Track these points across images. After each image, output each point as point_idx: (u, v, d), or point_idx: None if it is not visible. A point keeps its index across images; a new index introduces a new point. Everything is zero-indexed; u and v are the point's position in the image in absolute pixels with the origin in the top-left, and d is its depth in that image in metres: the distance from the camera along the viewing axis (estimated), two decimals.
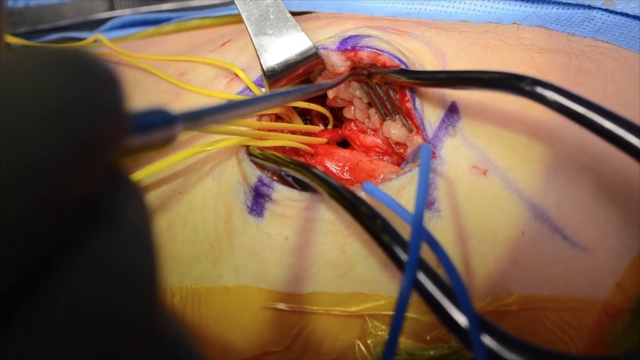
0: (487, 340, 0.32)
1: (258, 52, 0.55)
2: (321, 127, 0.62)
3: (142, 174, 0.52)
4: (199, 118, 0.30)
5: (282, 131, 0.57)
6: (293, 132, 0.59)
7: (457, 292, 0.33)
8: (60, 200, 0.17)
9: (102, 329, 0.19)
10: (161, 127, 0.25)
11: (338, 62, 0.55)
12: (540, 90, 0.39)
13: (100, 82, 0.19)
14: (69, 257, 0.18)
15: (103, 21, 1.02)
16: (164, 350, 0.23)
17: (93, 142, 0.18)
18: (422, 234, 0.36)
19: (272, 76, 0.54)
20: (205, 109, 0.30)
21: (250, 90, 0.57)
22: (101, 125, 0.18)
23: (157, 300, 0.22)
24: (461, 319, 0.33)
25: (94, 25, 1.03)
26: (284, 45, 0.55)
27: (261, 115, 0.56)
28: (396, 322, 0.34)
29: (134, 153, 0.23)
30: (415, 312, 0.46)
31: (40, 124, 0.16)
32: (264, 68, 0.54)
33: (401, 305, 0.34)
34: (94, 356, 0.18)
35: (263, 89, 0.57)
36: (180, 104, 0.60)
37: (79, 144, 0.17)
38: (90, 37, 0.84)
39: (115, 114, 0.19)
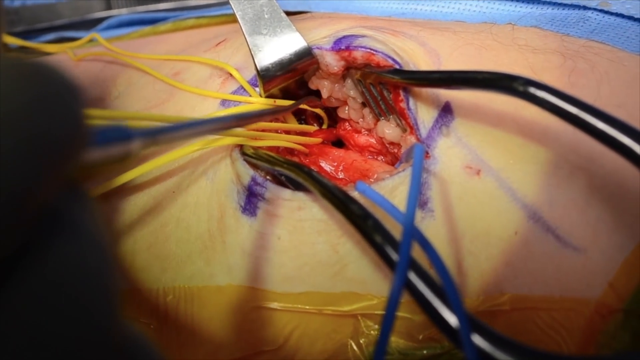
0: (478, 340, 0.32)
1: (252, 52, 0.55)
2: (316, 127, 0.62)
3: (136, 173, 0.52)
4: (155, 136, 0.30)
5: (276, 131, 0.57)
6: (287, 132, 0.59)
7: (447, 292, 0.33)
8: (20, 208, 0.17)
9: (63, 327, 0.19)
10: (119, 143, 0.25)
11: (332, 62, 0.55)
12: (533, 90, 0.39)
13: (62, 98, 0.19)
14: (30, 261, 0.18)
15: (99, 20, 1.02)
16: (124, 351, 0.23)
17: (53, 153, 0.18)
18: (413, 233, 0.36)
19: (266, 76, 0.54)
20: (161, 128, 0.31)
21: (244, 89, 0.57)
22: (62, 138, 0.19)
23: (116, 304, 0.22)
24: (452, 319, 0.33)
25: (90, 24, 1.03)
26: (278, 45, 0.55)
27: None
28: (387, 322, 0.34)
29: (91, 167, 0.24)
30: (408, 311, 0.46)
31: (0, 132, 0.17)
32: (258, 68, 0.54)
33: (392, 304, 0.34)
34: (54, 354, 0.19)
35: (257, 89, 0.57)
36: (174, 103, 0.59)
37: (39, 155, 0.18)
38: (86, 36, 0.84)
39: (76, 128, 0.20)
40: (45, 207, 0.19)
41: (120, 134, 0.25)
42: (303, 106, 0.58)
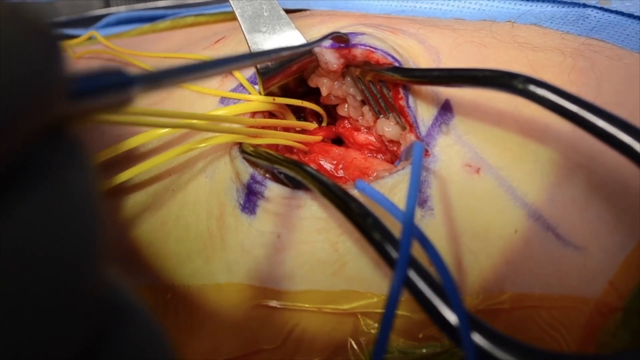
0: (477, 338, 0.32)
1: (251, 50, 0.54)
2: (315, 124, 0.62)
3: (135, 172, 0.52)
4: (156, 80, 0.29)
5: (275, 128, 0.57)
6: (286, 129, 0.59)
7: (447, 290, 0.33)
8: None
9: (42, 277, 0.18)
10: (116, 88, 0.24)
11: (332, 60, 0.54)
12: (533, 88, 0.39)
13: (32, 43, 0.19)
14: None
15: (98, 18, 1.02)
16: (108, 310, 0.23)
17: (15, 101, 0.17)
18: (413, 231, 0.36)
19: (266, 73, 0.54)
20: (163, 71, 0.30)
21: (244, 87, 0.57)
22: (25, 84, 0.18)
23: (98, 260, 0.21)
24: (451, 317, 0.32)
25: (89, 22, 1.03)
26: (278, 43, 0.55)
27: (254, 113, 0.56)
28: (386, 320, 0.34)
29: (85, 115, 0.23)
30: (408, 310, 0.46)
31: None
32: (257, 66, 0.54)
33: (391, 302, 0.34)
34: (31, 306, 0.18)
35: (256, 86, 0.56)
36: (173, 100, 0.59)
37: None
38: (85, 34, 0.84)
39: (47, 72, 0.19)
40: (16, 153, 0.18)
41: (119, 79, 0.24)
42: (301, 104, 0.58)
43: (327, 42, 0.54)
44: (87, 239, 0.20)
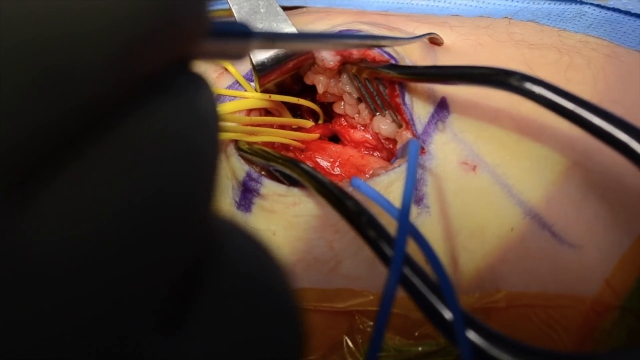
0: (472, 336, 0.32)
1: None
2: (312, 122, 0.62)
3: None
4: (274, 39, 0.32)
5: (271, 126, 0.57)
6: (282, 127, 0.59)
7: (442, 287, 0.33)
8: (135, 59, 0.17)
9: (156, 198, 0.18)
10: (238, 37, 0.26)
11: (328, 57, 0.54)
12: (529, 86, 0.39)
13: None
14: (131, 118, 0.18)
15: None
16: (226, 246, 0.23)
17: (174, 23, 0.18)
18: (408, 229, 0.36)
19: (262, 70, 0.54)
20: (280, 34, 0.35)
21: (240, 84, 0.56)
22: (184, 15, 0.19)
23: (214, 190, 0.21)
24: (447, 315, 0.32)
25: None
26: None
27: (250, 110, 0.55)
28: (381, 317, 0.34)
29: (209, 57, 0.25)
30: (403, 308, 0.46)
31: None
32: (254, 62, 0.53)
33: (386, 300, 0.33)
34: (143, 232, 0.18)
35: (252, 83, 0.56)
36: None
37: (161, 20, 0.18)
38: None
39: (198, 10, 0.20)
40: (157, 69, 0.19)
41: (242, 29, 0.26)
42: (297, 102, 0.58)
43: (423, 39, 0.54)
44: (212, 157, 0.21)
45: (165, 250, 0.19)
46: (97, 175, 0.17)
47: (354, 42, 0.47)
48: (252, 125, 0.54)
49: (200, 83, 0.21)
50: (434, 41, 0.54)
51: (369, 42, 0.49)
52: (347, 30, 0.55)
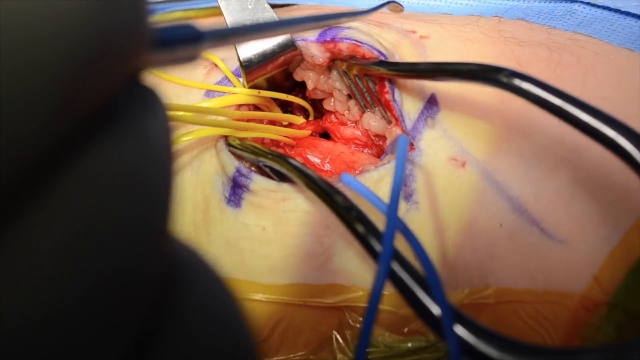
0: (461, 331, 0.32)
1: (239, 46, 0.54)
2: (303, 119, 0.62)
3: None
4: (225, 36, 0.30)
5: (261, 121, 0.57)
6: (273, 123, 0.59)
7: (431, 283, 0.33)
8: (75, 99, 0.16)
9: (110, 239, 0.18)
10: (187, 42, 0.25)
11: (317, 54, 0.54)
12: (518, 82, 0.39)
13: None
14: (76, 159, 0.17)
15: None
16: (179, 275, 0.23)
17: (113, 43, 0.17)
18: (396, 224, 0.36)
19: (249, 66, 0.54)
20: (233, 29, 0.31)
21: (229, 80, 0.57)
22: (123, 29, 0.18)
23: (169, 224, 0.21)
24: (435, 310, 0.32)
25: None
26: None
27: (240, 105, 0.56)
28: (370, 313, 0.34)
29: (157, 66, 0.23)
30: (392, 305, 0.46)
31: (61, 22, 0.16)
32: (240, 58, 0.54)
33: (375, 295, 0.34)
34: (94, 273, 0.17)
35: (241, 79, 0.56)
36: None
37: (98, 44, 0.17)
38: None
39: (138, 21, 0.19)
40: (102, 104, 0.18)
41: (189, 33, 0.25)
42: (287, 98, 0.58)
43: (383, 9, 0.55)
44: (164, 188, 0.20)
45: (126, 292, 0.18)
46: (40, 234, 0.16)
47: (312, 25, 0.47)
48: (243, 120, 0.54)
49: (151, 103, 0.21)
50: (395, 9, 0.55)
51: (326, 22, 0.49)
52: (336, 26, 0.55)
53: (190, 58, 0.25)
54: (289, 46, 0.55)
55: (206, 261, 0.25)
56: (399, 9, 0.55)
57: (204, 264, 0.24)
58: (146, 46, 0.20)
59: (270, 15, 0.55)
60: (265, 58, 0.54)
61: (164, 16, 0.84)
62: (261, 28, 0.34)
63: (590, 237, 0.45)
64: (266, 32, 0.36)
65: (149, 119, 0.20)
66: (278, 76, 0.59)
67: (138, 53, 0.19)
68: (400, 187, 0.38)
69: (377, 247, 0.36)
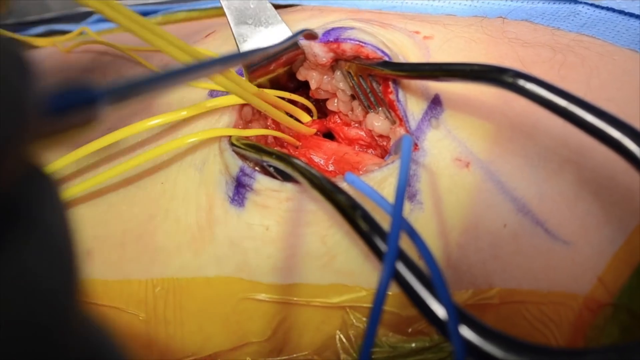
0: (466, 332, 0.32)
1: (237, 41, 0.54)
2: (309, 117, 0.62)
3: (126, 166, 0.52)
4: (127, 93, 0.26)
5: (266, 121, 0.57)
6: (277, 124, 0.59)
7: (436, 283, 0.33)
8: None
9: (12, 341, 0.17)
10: (81, 107, 0.22)
11: (320, 54, 0.54)
12: (522, 83, 0.39)
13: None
14: None
15: (90, 13, 1.01)
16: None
17: None
18: (401, 224, 0.36)
19: (251, 66, 0.54)
20: (133, 82, 0.26)
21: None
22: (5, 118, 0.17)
23: (74, 308, 0.20)
24: (440, 311, 0.32)
25: (80, 17, 1.03)
26: (264, 35, 0.55)
27: (242, 106, 0.56)
28: (375, 312, 0.34)
29: (49, 137, 0.21)
30: (396, 306, 0.46)
31: None
32: None
33: (380, 295, 0.33)
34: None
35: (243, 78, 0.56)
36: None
37: None
38: (76, 29, 0.84)
39: (20, 102, 0.18)
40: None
41: (82, 97, 0.22)
42: (290, 97, 0.58)
43: (301, 39, 0.54)
44: (67, 281, 0.20)
45: None
46: None
47: (220, 67, 0.43)
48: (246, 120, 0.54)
49: (43, 181, 0.20)
50: (310, 37, 0.54)
51: (234, 61, 0.48)
52: (340, 27, 0.55)
53: (88, 122, 0.23)
54: (291, 45, 0.55)
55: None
56: (314, 35, 0.55)
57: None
58: (32, 124, 0.19)
59: (272, 14, 0.55)
60: (267, 57, 0.54)
61: (167, 17, 0.85)
62: (169, 77, 0.30)
63: (595, 238, 0.45)
64: (172, 82, 0.32)
65: (47, 206, 0.20)
66: (282, 77, 0.59)
67: (27, 136, 0.18)
68: (405, 186, 0.38)
69: (382, 246, 0.36)
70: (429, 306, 0.33)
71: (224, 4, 0.55)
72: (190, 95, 0.57)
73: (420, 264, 0.35)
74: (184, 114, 0.52)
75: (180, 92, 0.58)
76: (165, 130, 0.55)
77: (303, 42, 0.55)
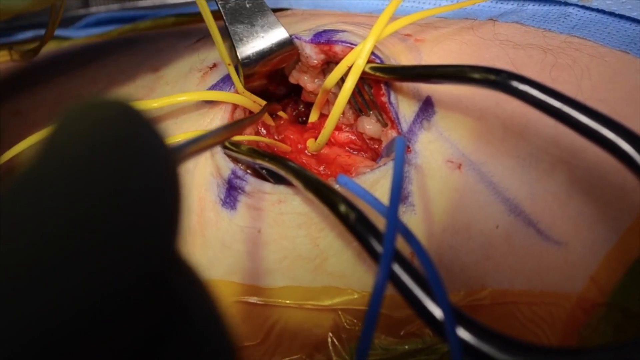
0: (463, 332, 0.32)
1: (233, 40, 0.54)
2: (285, 114, 0.62)
3: None
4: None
5: (257, 124, 0.58)
6: (267, 127, 0.59)
7: (432, 284, 0.33)
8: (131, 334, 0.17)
9: None
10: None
11: (312, 54, 0.54)
12: (516, 84, 0.39)
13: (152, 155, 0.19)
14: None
15: (78, 18, 1.01)
16: None
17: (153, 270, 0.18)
18: (397, 225, 0.36)
19: (247, 64, 0.54)
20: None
21: (224, 83, 0.57)
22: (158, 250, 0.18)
23: None
24: (436, 312, 0.32)
25: (68, 22, 1.02)
26: (260, 35, 0.55)
27: (234, 109, 0.56)
28: (371, 314, 0.33)
29: None
30: (388, 308, 0.46)
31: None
32: (239, 57, 0.54)
33: (376, 297, 0.33)
34: None
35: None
36: (155, 96, 0.59)
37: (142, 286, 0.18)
38: (65, 34, 0.84)
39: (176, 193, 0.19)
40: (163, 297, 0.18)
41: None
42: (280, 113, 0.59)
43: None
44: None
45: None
46: None
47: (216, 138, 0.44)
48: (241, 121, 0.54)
49: (186, 270, 0.22)
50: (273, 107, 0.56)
51: (237, 126, 0.49)
52: (331, 30, 0.55)
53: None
54: (287, 44, 0.55)
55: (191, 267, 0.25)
56: (277, 107, 0.56)
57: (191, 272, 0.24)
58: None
59: (269, 13, 0.55)
60: (263, 56, 0.54)
61: (156, 22, 0.84)
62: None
63: (587, 238, 0.45)
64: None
65: (194, 295, 0.21)
66: (272, 85, 0.59)
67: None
68: (400, 187, 0.38)
69: (378, 248, 0.36)
70: (426, 307, 0.33)
71: (220, 3, 0.55)
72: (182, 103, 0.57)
73: (414, 265, 0.35)
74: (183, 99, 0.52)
75: (170, 95, 0.58)
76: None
77: (295, 42, 0.55)
